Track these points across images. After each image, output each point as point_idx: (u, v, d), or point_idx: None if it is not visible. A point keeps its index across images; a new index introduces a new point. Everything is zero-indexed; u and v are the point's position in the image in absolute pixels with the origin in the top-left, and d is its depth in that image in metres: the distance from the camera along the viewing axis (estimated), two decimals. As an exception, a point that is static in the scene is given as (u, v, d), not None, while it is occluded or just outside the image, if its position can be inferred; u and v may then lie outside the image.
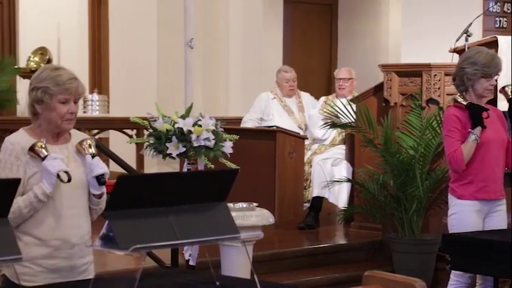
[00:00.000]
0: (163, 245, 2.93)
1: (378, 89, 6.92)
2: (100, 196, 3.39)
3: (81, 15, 11.20)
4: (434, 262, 6.19)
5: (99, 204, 3.41)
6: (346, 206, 7.10)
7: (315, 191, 7.23)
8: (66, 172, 3.23)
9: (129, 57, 9.15)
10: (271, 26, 9.61)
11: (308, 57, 10.20)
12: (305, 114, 7.69)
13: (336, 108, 6.77)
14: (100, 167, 3.33)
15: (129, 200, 2.81)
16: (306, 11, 10.42)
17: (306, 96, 7.82)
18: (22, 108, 10.54)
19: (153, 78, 9.04)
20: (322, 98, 7.79)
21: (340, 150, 7.41)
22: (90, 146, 3.36)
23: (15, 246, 2.60)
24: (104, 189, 3.39)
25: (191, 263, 4.75)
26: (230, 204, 3.66)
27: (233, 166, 4.33)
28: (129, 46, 9.17)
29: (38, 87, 3.31)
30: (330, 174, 7.17)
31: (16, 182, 2.74)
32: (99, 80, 11.23)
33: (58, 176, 3.22)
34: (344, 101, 7.14)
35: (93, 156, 3.34)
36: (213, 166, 4.58)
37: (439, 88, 6.46)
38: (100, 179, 3.33)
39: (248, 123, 7.73)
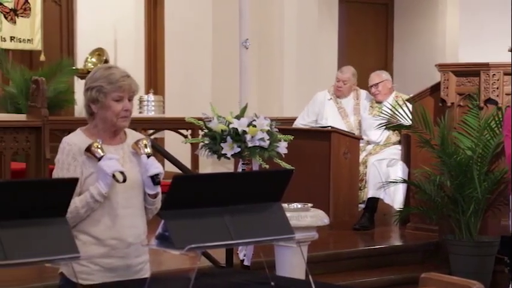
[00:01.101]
0: (218, 244, 2.93)
1: (435, 89, 6.85)
2: (155, 196, 3.41)
3: (137, 16, 11.30)
4: (492, 264, 6.09)
5: (154, 204, 3.43)
6: (402, 207, 7.03)
7: (370, 191, 7.17)
8: (122, 172, 3.25)
9: (185, 58, 9.21)
10: (326, 26, 9.57)
11: (363, 57, 10.13)
12: (359, 117, 7.63)
13: (388, 108, 6.71)
14: (155, 166, 3.34)
15: (184, 199, 2.82)
16: (361, 10, 10.35)
17: (363, 97, 7.75)
18: (79, 108, 10.70)
19: (208, 78, 9.07)
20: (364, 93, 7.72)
21: (396, 150, 7.35)
22: (145, 146, 3.38)
23: (73, 245, 2.63)
24: (158, 189, 3.40)
25: (246, 263, 4.75)
26: (285, 205, 3.65)
27: (288, 166, 4.32)
28: (185, 47, 9.22)
29: (92, 87, 3.35)
30: (385, 175, 7.11)
31: (74, 181, 2.77)
32: (155, 81, 11.32)
33: (114, 176, 3.25)
34: (387, 104, 7.11)
35: (148, 156, 3.36)
36: (267, 166, 4.58)
37: (497, 88, 6.36)
38: (155, 179, 3.34)
39: (300, 121, 7.71)
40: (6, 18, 10.64)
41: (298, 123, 7.74)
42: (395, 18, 10.53)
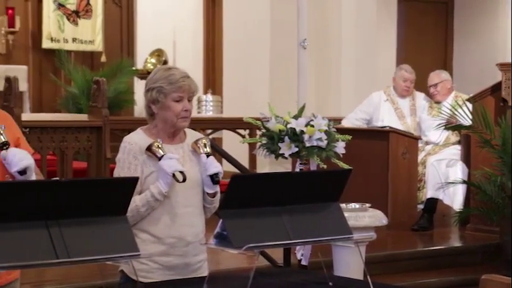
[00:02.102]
0: (276, 244, 2.94)
1: (496, 88, 6.74)
2: (214, 195, 3.43)
3: (196, 17, 11.39)
4: (554, 267, 5.98)
5: (213, 203, 3.45)
6: (462, 208, 6.94)
7: (429, 192, 7.10)
8: (182, 172, 3.28)
9: (243, 58, 9.24)
10: (384, 25, 9.50)
11: (422, 57, 10.03)
12: (417, 119, 7.56)
13: (447, 108, 6.63)
14: (214, 166, 3.37)
15: (242, 199, 2.84)
16: (420, 9, 10.25)
17: (420, 98, 7.68)
18: (139, 108, 10.82)
19: (266, 78, 9.09)
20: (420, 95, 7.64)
21: (455, 150, 7.26)
22: (205, 145, 3.41)
23: (133, 243, 2.66)
24: (217, 188, 3.42)
25: (303, 262, 4.75)
26: (343, 205, 3.64)
27: (346, 166, 4.30)
28: (243, 47, 9.26)
29: (152, 87, 3.38)
30: (444, 176, 7.03)
31: (134, 180, 2.80)
32: (213, 81, 11.39)
33: (174, 175, 3.28)
34: (446, 104, 7.02)
35: (207, 155, 3.39)
36: (325, 166, 4.57)
37: (559, 87, 6.24)
38: (214, 178, 3.36)
39: (350, 121, 7.64)
40: (68, 20, 10.82)
41: (351, 119, 7.68)
42: (455, 17, 10.40)
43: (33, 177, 2.85)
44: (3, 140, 2.85)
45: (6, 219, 2.45)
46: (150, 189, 3.31)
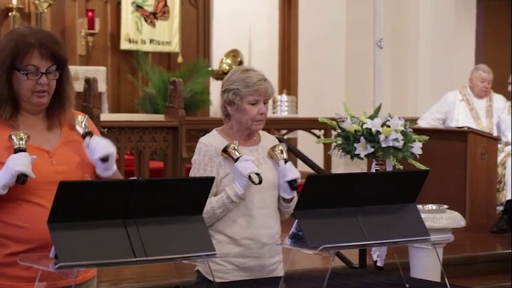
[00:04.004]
0: (351, 245, 2.92)
1: None
2: (290, 200, 3.42)
3: (271, 17, 11.42)
4: None
5: (289, 208, 3.45)
6: (543, 210, 6.78)
7: (509, 194, 6.96)
8: (258, 174, 3.28)
9: (318, 58, 9.22)
10: (463, 25, 9.35)
11: (501, 57, 9.83)
12: (493, 120, 7.41)
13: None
14: (293, 171, 3.36)
15: (318, 199, 2.83)
16: (501, 9, 10.04)
17: (498, 99, 7.53)
18: (215, 109, 10.91)
19: (341, 78, 9.05)
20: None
21: (537, 152, 7.10)
22: (282, 152, 3.40)
23: (210, 243, 2.67)
24: (295, 194, 3.42)
25: (379, 264, 4.71)
26: (420, 206, 3.60)
27: (422, 167, 4.25)
28: (318, 47, 9.24)
29: (229, 89, 3.39)
30: (525, 177, 6.89)
31: (210, 180, 2.82)
32: (288, 81, 11.40)
33: (249, 177, 3.28)
34: None
35: (285, 161, 3.38)
36: (401, 167, 4.52)
37: None
38: (293, 184, 3.36)
39: (427, 121, 7.54)
40: (146, 21, 10.99)
41: (428, 118, 7.58)
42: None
43: (114, 167, 2.86)
44: (88, 129, 2.88)
45: (85, 217, 2.50)
46: (225, 190, 3.32)
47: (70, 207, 2.47)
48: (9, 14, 10.01)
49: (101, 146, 2.82)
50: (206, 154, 3.37)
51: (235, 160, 3.29)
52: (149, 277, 5.21)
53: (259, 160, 3.40)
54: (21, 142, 2.73)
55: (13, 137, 2.74)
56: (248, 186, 3.30)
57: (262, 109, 3.38)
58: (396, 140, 4.42)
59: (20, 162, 2.68)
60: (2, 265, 2.80)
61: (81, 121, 2.89)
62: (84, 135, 2.86)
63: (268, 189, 3.38)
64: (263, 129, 3.54)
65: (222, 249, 3.25)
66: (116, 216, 2.54)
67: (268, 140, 3.50)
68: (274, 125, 8.16)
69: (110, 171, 2.86)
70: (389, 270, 3.89)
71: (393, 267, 3.33)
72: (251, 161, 3.30)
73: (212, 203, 3.27)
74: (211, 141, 3.39)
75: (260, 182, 3.27)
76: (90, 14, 10.57)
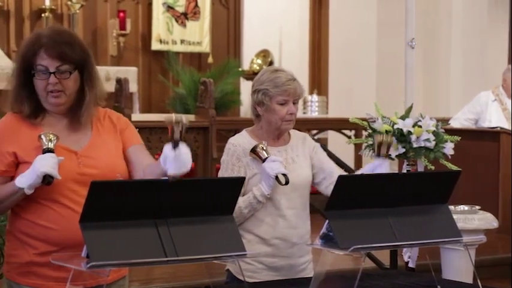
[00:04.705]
0: (382, 246, 2.91)
1: None
2: None
3: (302, 17, 11.40)
4: None
5: None
6: None
7: (542, 194, 6.89)
8: (284, 174, 3.27)
9: (349, 58, 9.20)
10: (495, 24, 9.27)
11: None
12: (529, 119, 7.34)
13: None
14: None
15: (348, 200, 2.82)
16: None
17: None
18: (245, 109, 10.92)
19: (372, 78, 9.02)
20: None
21: None
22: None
23: (240, 243, 2.68)
24: None
25: (410, 265, 4.68)
26: (451, 207, 3.57)
27: (454, 168, 4.22)
28: (349, 47, 9.21)
29: (258, 89, 3.39)
30: (559, 178, 6.81)
31: (241, 180, 2.83)
32: (319, 81, 11.38)
33: (276, 177, 3.28)
34: None
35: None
36: (433, 167, 4.49)
37: None
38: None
39: (459, 121, 7.48)
40: (177, 22, 11.02)
41: (461, 119, 7.52)
42: None
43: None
44: (179, 137, 2.59)
45: (116, 217, 2.51)
46: (252, 191, 3.32)
47: (101, 207, 2.48)
48: (42, 15, 10.10)
49: (185, 162, 2.60)
50: (234, 154, 3.37)
51: (263, 160, 3.29)
52: (180, 277, 5.23)
53: (287, 160, 3.40)
54: (49, 143, 2.74)
55: (42, 137, 2.76)
56: (276, 186, 3.30)
57: (292, 109, 3.37)
58: (428, 140, 4.39)
59: (46, 163, 2.69)
60: (33, 264, 2.82)
61: (179, 129, 2.57)
62: (174, 146, 2.59)
63: (297, 189, 3.38)
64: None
65: (252, 249, 3.24)
66: (147, 216, 2.55)
67: (298, 138, 3.50)
68: (304, 126, 8.15)
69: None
70: (421, 271, 3.87)
71: (425, 268, 3.31)
72: (279, 161, 3.29)
73: (239, 203, 3.26)
74: (240, 142, 3.40)
75: (287, 183, 3.27)
76: (121, 14, 10.63)
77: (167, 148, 2.59)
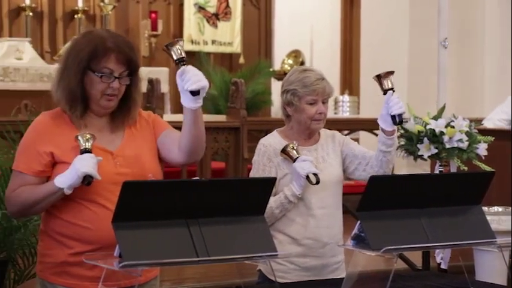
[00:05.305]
0: (414, 247, 2.89)
1: None
2: (392, 133, 3.32)
3: (333, 17, 11.38)
4: None
5: (391, 147, 3.31)
6: None
7: None
8: (315, 174, 3.27)
9: (380, 58, 9.15)
10: (529, 21, 9.17)
11: None
12: None
13: None
14: (398, 106, 3.25)
15: (380, 200, 2.81)
16: None
17: None
18: (276, 109, 10.92)
19: (404, 78, 8.96)
20: None
21: None
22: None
23: (271, 243, 2.67)
24: (395, 127, 3.31)
25: (443, 266, 4.65)
26: (485, 208, 3.54)
27: (487, 168, 4.18)
28: (380, 47, 9.17)
29: (287, 90, 3.39)
30: None
31: (272, 180, 2.83)
32: (350, 81, 11.35)
33: (307, 177, 3.27)
34: None
35: (393, 91, 3.28)
36: (466, 168, 4.45)
37: None
38: (396, 119, 3.25)
39: (492, 121, 7.40)
40: (208, 22, 11.06)
41: (494, 119, 7.45)
42: None
43: (201, 102, 2.78)
44: (182, 55, 2.75)
45: (148, 217, 2.52)
46: (283, 191, 3.32)
47: (134, 206, 2.50)
48: (75, 16, 10.18)
49: (197, 78, 2.73)
50: (265, 155, 3.38)
51: (294, 160, 3.29)
52: (211, 277, 5.24)
53: (318, 159, 3.39)
54: (87, 143, 2.76)
55: (79, 138, 2.78)
56: (307, 186, 3.30)
57: (321, 109, 3.37)
58: (461, 140, 4.36)
59: (86, 164, 2.71)
60: (67, 264, 2.84)
61: (178, 47, 2.77)
62: (177, 62, 2.77)
63: (328, 189, 3.37)
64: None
65: (283, 249, 3.25)
66: (178, 216, 2.56)
67: (328, 137, 3.49)
68: (335, 126, 8.11)
69: (197, 104, 2.79)
70: (454, 273, 3.84)
71: (458, 270, 3.28)
72: (309, 161, 3.29)
73: (271, 203, 3.26)
74: (271, 142, 3.40)
75: (318, 183, 3.26)
76: (153, 15, 10.68)
77: (178, 72, 2.73)
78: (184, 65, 2.76)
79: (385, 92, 3.31)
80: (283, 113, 3.45)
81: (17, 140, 4.14)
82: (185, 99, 2.79)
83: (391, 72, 3.33)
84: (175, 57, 2.76)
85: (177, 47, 2.77)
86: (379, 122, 3.34)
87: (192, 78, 2.73)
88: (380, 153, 3.34)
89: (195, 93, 2.74)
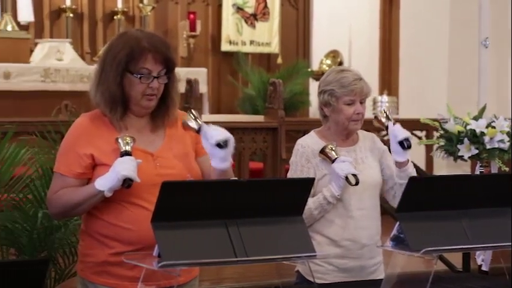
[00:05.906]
0: (455, 248, 2.87)
1: None
2: (405, 164, 3.32)
3: (372, 17, 11.31)
4: None
5: (405, 177, 3.26)
6: None
7: None
8: (355, 175, 3.25)
9: (420, 58, 9.10)
10: None
11: None
12: None
13: None
14: (402, 131, 3.28)
15: (420, 201, 2.79)
16: None
17: None
18: (314, 109, 10.89)
19: (444, 78, 8.90)
20: None
21: None
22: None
23: (310, 244, 2.67)
24: (408, 156, 3.32)
25: (484, 268, 4.60)
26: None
27: (529, 169, 4.13)
28: (420, 46, 9.11)
29: (324, 90, 3.38)
30: None
31: (310, 181, 2.82)
32: (389, 82, 11.27)
33: (346, 178, 3.26)
34: None
35: (393, 123, 3.32)
36: (507, 169, 4.41)
37: None
38: (404, 144, 3.27)
39: None
40: (246, 23, 11.07)
41: None
42: None
43: (231, 159, 2.81)
44: (201, 121, 2.85)
45: (187, 217, 2.53)
46: (322, 192, 3.31)
47: (173, 207, 2.51)
48: (115, 17, 10.26)
49: (219, 132, 2.79)
50: (303, 155, 3.37)
51: (333, 161, 3.28)
52: (249, 277, 5.24)
53: (356, 160, 3.37)
54: (127, 146, 2.78)
55: (119, 140, 2.79)
56: (346, 187, 3.29)
57: (359, 109, 3.35)
58: (502, 141, 4.32)
59: (126, 167, 2.72)
60: (107, 264, 2.86)
61: (193, 117, 2.86)
62: (199, 130, 2.83)
63: (366, 190, 3.36)
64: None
65: (321, 250, 3.25)
66: (217, 216, 2.56)
67: (366, 138, 3.47)
68: (373, 126, 8.08)
69: (227, 162, 2.81)
70: (495, 275, 3.80)
71: (499, 272, 3.25)
72: (348, 162, 3.27)
73: (309, 204, 3.25)
74: (309, 143, 3.39)
75: (357, 183, 3.25)
76: (192, 16, 10.72)
77: (201, 136, 2.82)
78: (199, 130, 2.82)
79: (386, 128, 3.31)
80: (321, 113, 3.44)
81: (57, 140, 4.18)
82: (215, 159, 2.81)
83: (388, 109, 3.35)
84: (196, 127, 2.85)
85: (194, 116, 2.87)
86: (392, 156, 3.35)
87: (214, 132, 2.79)
88: (399, 186, 3.35)
89: (222, 146, 2.77)
